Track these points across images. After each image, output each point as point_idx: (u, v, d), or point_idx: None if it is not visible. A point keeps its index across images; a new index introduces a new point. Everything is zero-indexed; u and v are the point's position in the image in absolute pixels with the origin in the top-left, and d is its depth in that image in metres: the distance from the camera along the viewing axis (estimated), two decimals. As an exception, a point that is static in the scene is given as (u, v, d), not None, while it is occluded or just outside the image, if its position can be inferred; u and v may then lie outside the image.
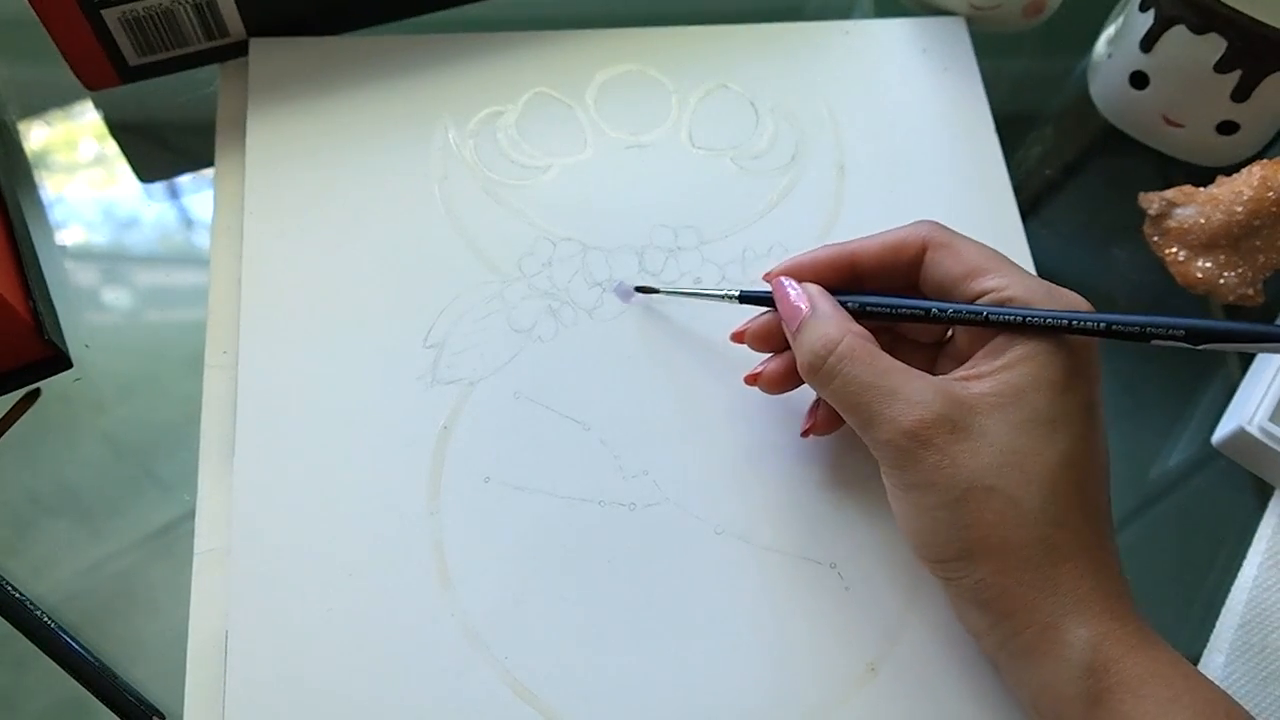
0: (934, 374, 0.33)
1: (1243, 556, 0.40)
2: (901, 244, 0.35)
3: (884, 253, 0.35)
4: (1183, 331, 0.31)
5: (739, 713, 0.34)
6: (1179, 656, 0.30)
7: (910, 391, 0.31)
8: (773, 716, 0.34)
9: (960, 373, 0.33)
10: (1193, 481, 0.42)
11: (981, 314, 0.33)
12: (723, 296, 0.38)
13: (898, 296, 0.35)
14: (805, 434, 0.37)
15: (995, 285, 0.33)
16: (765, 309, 0.37)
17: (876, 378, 0.32)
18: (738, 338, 0.37)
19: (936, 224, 0.35)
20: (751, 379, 0.37)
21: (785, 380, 0.36)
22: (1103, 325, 0.31)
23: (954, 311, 0.33)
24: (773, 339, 0.36)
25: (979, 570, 0.31)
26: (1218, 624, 0.39)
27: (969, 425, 0.31)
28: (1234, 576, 0.40)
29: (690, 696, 0.34)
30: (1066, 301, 0.33)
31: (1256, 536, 0.40)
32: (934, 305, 0.34)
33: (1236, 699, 0.36)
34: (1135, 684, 0.29)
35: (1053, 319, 0.32)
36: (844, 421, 0.34)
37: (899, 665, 0.35)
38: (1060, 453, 0.31)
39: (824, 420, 0.36)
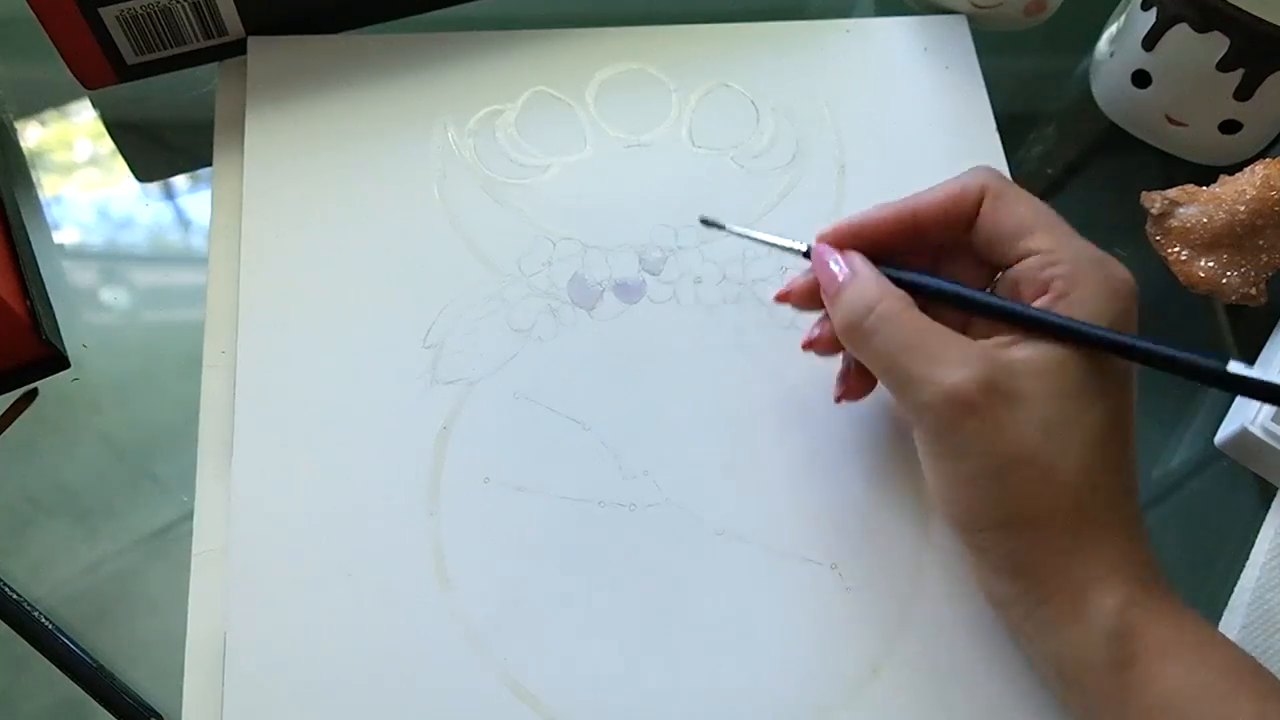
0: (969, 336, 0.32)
1: (1245, 558, 0.40)
2: (962, 193, 0.34)
3: (945, 204, 0.34)
4: (1215, 374, 0.30)
5: (739, 714, 0.34)
6: (1205, 622, 0.30)
7: (951, 355, 0.31)
8: (773, 718, 0.34)
9: (1001, 338, 0.32)
10: (1195, 482, 0.42)
11: (1007, 308, 0.32)
12: (788, 249, 0.36)
13: (931, 276, 0.34)
14: (838, 400, 0.36)
15: (1044, 246, 0.32)
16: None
17: (916, 338, 0.31)
18: (782, 298, 0.36)
19: (993, 170, 0.34)
20: (808, 345, 0.36)
21: (838, 343, 0.35)
22: (1124, 344, 0.31)
23: (980, 301, 0.33)
24: (818, 298, 0.35)
25: (1014, 540, 0.31)
26: (1220, 625, 0.39)
27: (1011, 391, 0.30)
28: (1237, 578, 0.39)
29: (690, 697, 0.34)
30: (1112, 275, 0.32)
31: (1260, 537, 0.40)
32: (963, 291, 0.33)
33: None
34: (1161, 648, 0.29)
35: (1075, 329, 0.31)
36: (875, 384, 0.34)
37: (900, 666, 0.35)
38: (1097, 422, 0.31)
39: (855, 384, 0.36)
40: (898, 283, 0.34)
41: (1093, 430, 0.30)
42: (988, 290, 0.35)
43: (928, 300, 0.34)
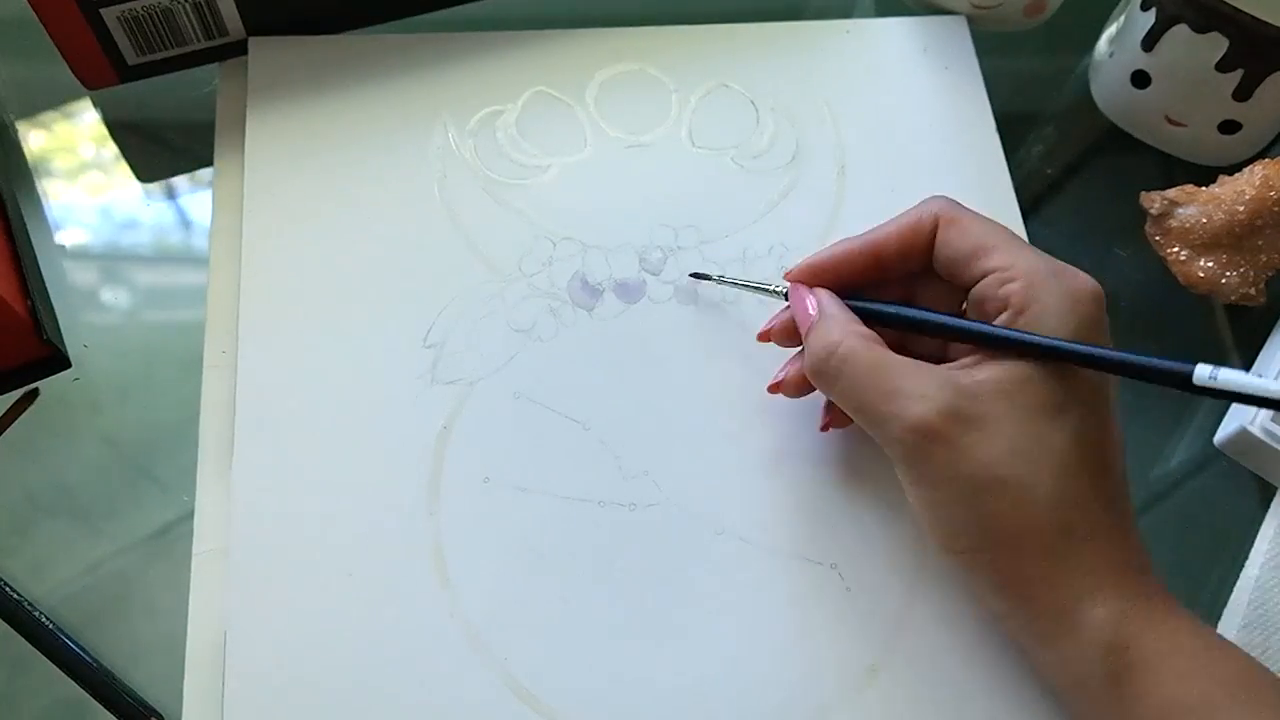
0: (947, 359, 0.33)
1: (1245, 557, 0.40)
2: (917, 224, 0.35)
3: (904, 235, 0.35)
4: (1181, 377, 0.30)
5: (739, 714, 0.34)
6: (1202, 627, 0.30)
7: (913, 387, 0.31)
8: (773, 717, 0.34)
9: (966, 360, 0.32)
10: (1195, 482, 0.42)
11: (959, 327, 0.33)
12: (770, 291, 0.37)
13: (898, 305, 0.35)
14: (824, 429, 0.37)
15: (998, 264, 0.33)
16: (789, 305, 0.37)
17: (878, 377, 0.32)
18: (764, 337, 0.37)
19: (947, 199, 0.35)
20: (774, 388, 0.37)
21: (805, 383, 0.36)
22: (1080, 353, 0.31)
23: (944, 324, 0.33)
24: (796, 334, 0.36)
25: (997, 559, 0.31)
26: (1220, 625, 0.39)
27: (975, 415, 0.31)
28: (1236, 577, 0.39)
29: (690, 697, 0.34)
30: (1072, 284, 0.32)
31: (1259, 537, 0.40)
32: (926, 317, 0.34)
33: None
34: (1155, 659, 0.29)
35: (1029, 342, 0.31)
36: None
37: (899, 666, 0.35)
38: (1069, 436, 0.31)
39: (839, 414, 0.36)
40: (863, 313, 0.34)
41: (1065, 445, 0.31)
42: (958, 314, 0.35)
43: (903, 329, 0.34)
